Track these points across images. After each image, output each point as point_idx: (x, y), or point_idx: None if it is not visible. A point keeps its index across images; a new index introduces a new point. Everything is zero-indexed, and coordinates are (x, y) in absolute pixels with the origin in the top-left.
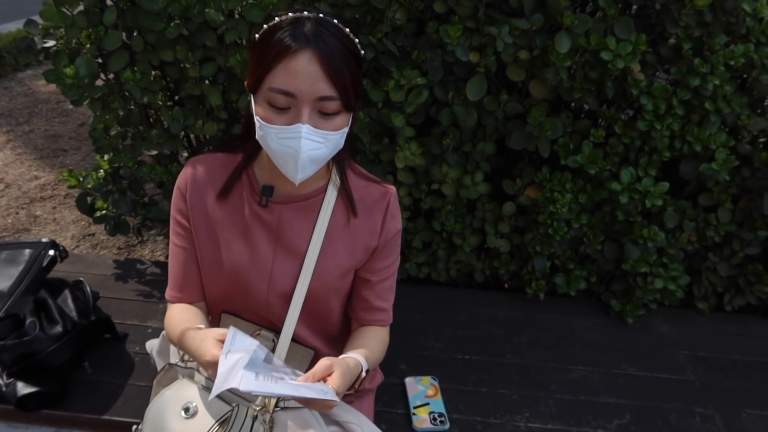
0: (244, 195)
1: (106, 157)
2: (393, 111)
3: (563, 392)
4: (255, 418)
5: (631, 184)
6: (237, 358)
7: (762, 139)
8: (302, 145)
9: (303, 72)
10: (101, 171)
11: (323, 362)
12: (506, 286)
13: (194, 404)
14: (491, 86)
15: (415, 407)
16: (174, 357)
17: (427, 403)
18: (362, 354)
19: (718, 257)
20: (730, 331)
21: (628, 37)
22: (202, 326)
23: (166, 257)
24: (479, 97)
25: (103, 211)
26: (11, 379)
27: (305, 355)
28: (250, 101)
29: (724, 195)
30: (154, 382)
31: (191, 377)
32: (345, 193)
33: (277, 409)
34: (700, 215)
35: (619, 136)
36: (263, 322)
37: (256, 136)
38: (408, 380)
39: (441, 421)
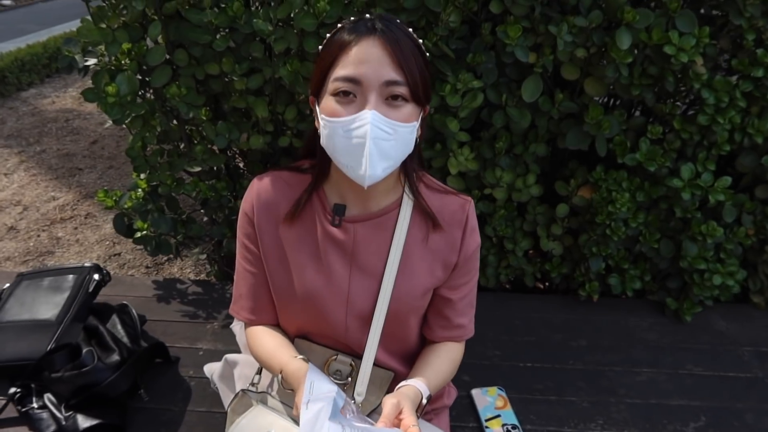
0: (315, 216)
1: (142, 175)
2: (447, 116)
3: (633, 396)
4: None
5: (691, 180)
6: (319, 408)
7: None
8: (370, 131)
9: (368, 57)
10: (139, 190)
11: (390, 401)
12: (557, 288)
13: None
14: (544, 86)
15: (486, 420)
16: (240, 384)
17: (498, 415)
18: (422, 381)
19: None
20: None
21: (690, 31)
22: (297, 355)
23: (207, 274)
24: (535, 98)
25: (144, 232)
26: (70, 412)
27: (385, 378)
28: (314, 117)
29: None
30: (229, 410)
31: (265, 402)
32: (420, 207)
33: None
34: (757, 208)
35: (678, 131)
36: (339, 346)
37: (323, 144)
38: (474, 392)
39: None
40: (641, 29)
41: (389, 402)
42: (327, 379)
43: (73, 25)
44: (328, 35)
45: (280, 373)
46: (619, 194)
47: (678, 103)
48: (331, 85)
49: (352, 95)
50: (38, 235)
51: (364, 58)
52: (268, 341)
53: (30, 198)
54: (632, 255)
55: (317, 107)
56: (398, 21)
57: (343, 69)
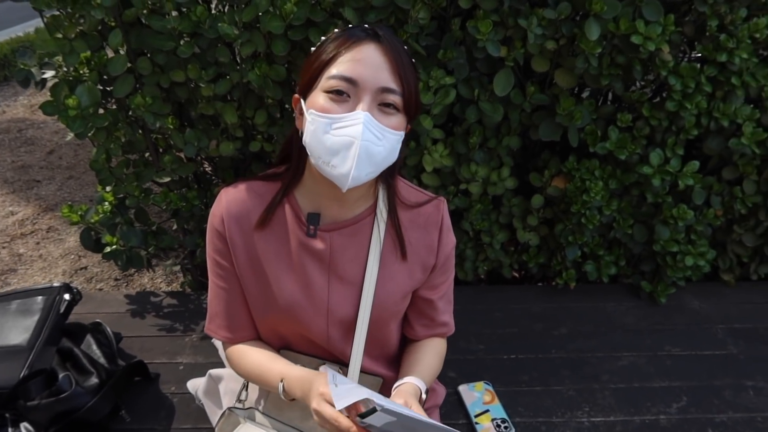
0: (288, 225)
1: (108, 188)
2: (421, 114)
3: (616, 381)
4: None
5: (661, 166)
6: (350, 387)
7: None
8: (362, 131)
9: (368, 60)
10: (106, 203)
11: (398, 402)
12: (534, 278)
13: None
14: (515, 79)
15: (476, 416)
16: (226, 399)
17: (487, 410)
18: (417, 377)
19: (743, 228)
20: (759, 300)
21: (657, 19)
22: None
23: (181, 285)
24: (507, 92)
25: (113, 246)
26: None
27: (374, 384)
28: (297, 114)
29: (749, 167)
30: (216, 429)
31: (253, 419)
32: (395, 213)
33: None
34: (725, 189)
35: (647, 118)
36: (323, 354)
37: (305, 141)
38: (461, 388)
39: (506, 427)
40: (609, 20)
41: (398, 403)
42: (346, 378)
43: (18, 30)
44: (323, 38)
45: (281, 381)
46: (593, 183)
47: (646, 90)
48: (326, 82)
49: (345, 95)
50: None
51: (364, 61)
52: (256, 356)
53: None
54: (607, 241)
55: (303, 103)
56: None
57: (340, 68)
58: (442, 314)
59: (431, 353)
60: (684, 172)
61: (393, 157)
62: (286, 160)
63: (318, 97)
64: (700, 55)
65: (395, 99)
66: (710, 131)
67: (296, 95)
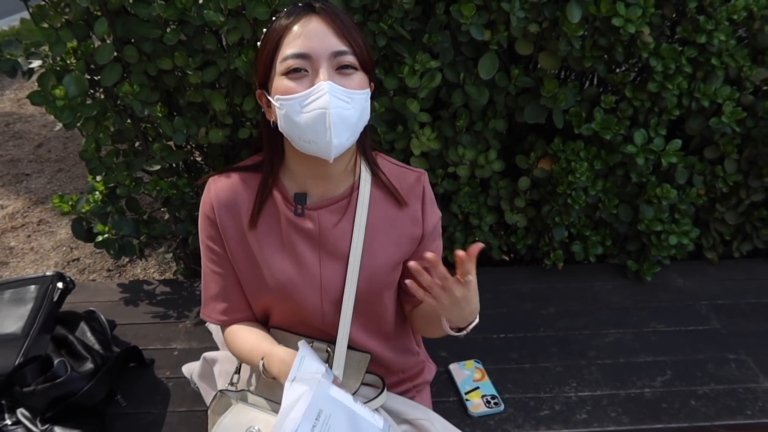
0: (277, 208)
1: (98, 177)
2: (407, 98)
3: (603, 357)
4: None
5: (644, 145)
6: (301, 392)
7: (765, 88)
8: (329, 100)
9: (312, 31)
10: (96, 193)
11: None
12: (523, 259)
13: (256, 428)
14: (500, 63)
15: (466, 393)
16: (221, 381)
17: (477, 387)
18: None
19: (725, 207)
20: (741, 276)
21: (636, 2)
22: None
23: (174, 273)
24: (492, 75)
25: (105, 235)
26: (47, 425)
27: (361, 360)
28: (262, 110)
29: (730, 146)
30: (209, 411)
31: (245, 400)
32: (380, 182)
33: None
34: (707, 168)
35: (629, 99)
36: (316, 333)
37: (281, 128)
38: (452, 366)
39: (495, 403)
40: (590, 2)
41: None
42: (318, 359)
43: (3, 24)
44: (264, 30)
45: (262, 360)
46: (578, 164)
47: (628, 72)
48: (280, 66)
49: (303, 71)
50: None
51: (309, 34)
52: (247, 336)
53: None
54: (593, 222)
55: (268, 94)
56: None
57: (289, 48)
58: None
59: None
60: (667, 150)
61: (366, 116)
62: (260, 150)
63: (278, 82)
64: (680, 36)
65: (350, 59)
66: (691, 111)
67: (258, 90)
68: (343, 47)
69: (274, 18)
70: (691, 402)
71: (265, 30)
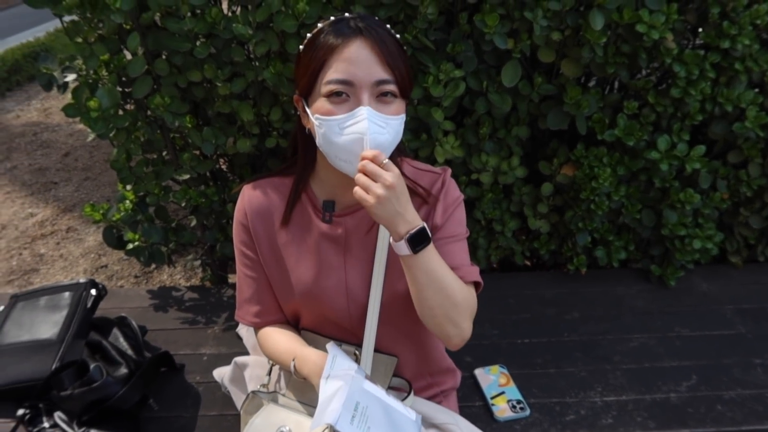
0: (306, 215)
1: (129, 186)
2: (431, 106)
3: (627, 362)
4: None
5: (668, 151)
6: (337, 387)
7: None
8: (368, 126)
9: (358, 58)
10: (127, 202)
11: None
12: (545, 265)
13: (287, 428)
14: (523, 70)
15: (492, 397)
16: (252, 385)
17: (503, 392)
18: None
19: (750, 211)
20: (766, 280)
21: (660, 8)
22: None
23: (201, 280)
24: (515, 83)
25: (135, 243)
26: (83, 428)
27: (388, 363)
28: (298, 118)
29: (754, 151)
30: (241, 411)
31: (276, 401)
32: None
33: None
34: (730, 173)
35: (652, 105)
36: (346, 334)
37: (318, 144)
38: (477, 371)
39: (521, 408)
40: (613, 9)
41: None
42: (348, 358)
43: (29, 35)
44: (309, 35)
45: (293, 361)
46: (601, 170)
47: (651, 77)
48: (324, 88)
49: (345, 95)
50: (20, 254)
51: (355, 60)
52: (279, 338)
53: (7, 216)
54: (616, 227)
55: (307, 107)
56: (376, 18)
57: (335, 72)
58: (452, 258)
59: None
60: (691, 156)
61: (398, 138)
62: (296, 153)
63: (320, 102)
64: (703, 42)
65: (391, 88)
66: (715, 116)
67: (296, 95)
68: (386, 76)
69: (319, 24)
70: (717, 407)
71: (309, 36)
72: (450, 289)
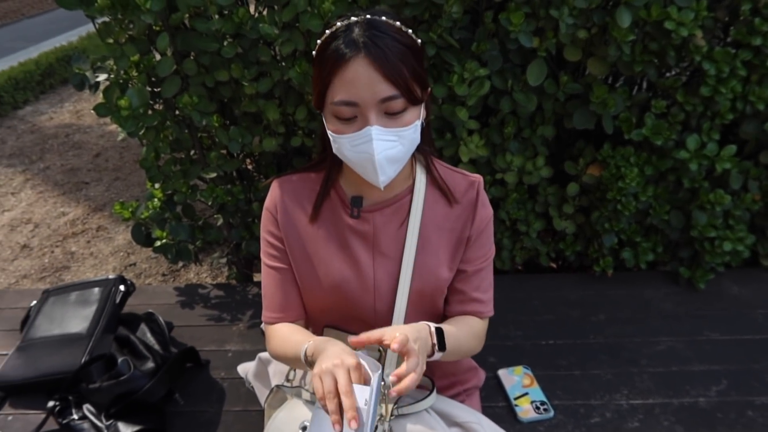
0: (335, 210)
1: (157, 185)
2: (455, 105)
3: (655, 365)
4: (375, 428)
5: (698, 150)
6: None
7: None
8: (375, 147)
9: (359, 79)
10: (155, 200)
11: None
12: (571, 266)
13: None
14: (548, 69)
15: (515, 398)
16: (275, 380)
17: (526, 393)
18: (435, 324)
19: None
20: None
21: (689, 5)
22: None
23: (227, 278)
24: (540, 82)
25: (163, 240)
26: (111, 421)
27: None
28: (322, 118)
29: None
30: (265, 405)
31: (299, 395)
32: (435, 186)
33: (393, 416)
34: (762, 174)
35: (681, 104)
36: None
37: (333, 150)
38: (501, 372)
39: (545, 409)
40: (640, 7)
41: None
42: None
43: (62, 39)
44: (318, 42)
45: (308, 342)
46: (628, 170)
47: (680, 76)
48: (331, 108)
49: (352, 115)
50: (52, 251)
51: (357, 81)
52: (291, 330)
53: (40, 215)
54: (643, 228)
55: (323, 117)
56: (384, 20)
57: (338, 94)
58: (475, 290)
59: (462, 324)
60: (721, 156)
61: (415, 143)
62: (324, 150)
63: (330, 119)
64: (733, 39)
65: (397, 103)
66: (746, 115)
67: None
68: (391, 93)
69: (327, 31)
70: (748, 412)
71: (318, 44)
72: (470, 346)
